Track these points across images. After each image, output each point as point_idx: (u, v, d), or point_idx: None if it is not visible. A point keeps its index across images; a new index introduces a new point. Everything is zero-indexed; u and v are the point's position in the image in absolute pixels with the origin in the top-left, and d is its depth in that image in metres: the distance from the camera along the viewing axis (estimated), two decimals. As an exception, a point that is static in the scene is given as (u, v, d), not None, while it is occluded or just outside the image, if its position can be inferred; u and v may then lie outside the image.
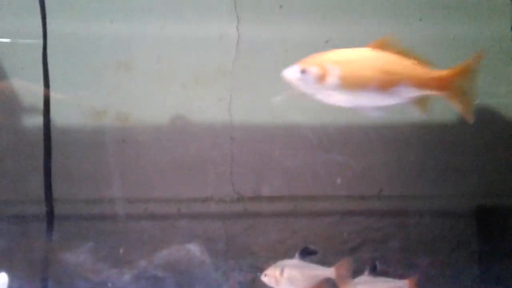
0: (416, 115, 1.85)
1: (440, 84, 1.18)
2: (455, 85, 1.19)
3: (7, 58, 1.81)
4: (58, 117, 1.81)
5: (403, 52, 1.19)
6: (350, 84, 1.18)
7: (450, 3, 1.90)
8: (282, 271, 1.58)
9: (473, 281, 1.96)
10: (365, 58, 1.20)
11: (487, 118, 1.94)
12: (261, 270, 1.61)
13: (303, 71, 1.17)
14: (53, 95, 1.75)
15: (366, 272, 1.62)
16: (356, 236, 1.97)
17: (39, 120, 1.77)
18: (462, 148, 1.95)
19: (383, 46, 1.20)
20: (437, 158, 1.96)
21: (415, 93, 1.19)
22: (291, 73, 1.18)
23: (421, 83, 1.18)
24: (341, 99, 1.20)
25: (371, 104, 1.21)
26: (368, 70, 1.19)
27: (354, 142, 1.94)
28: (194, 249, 1.86)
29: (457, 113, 1.68)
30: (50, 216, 1.78)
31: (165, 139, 1.89)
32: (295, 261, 1.61)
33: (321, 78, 1.17)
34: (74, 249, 1.81)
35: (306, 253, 1.62)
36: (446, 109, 1.90)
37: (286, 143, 1.92)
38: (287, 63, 1.84)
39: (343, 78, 1.17)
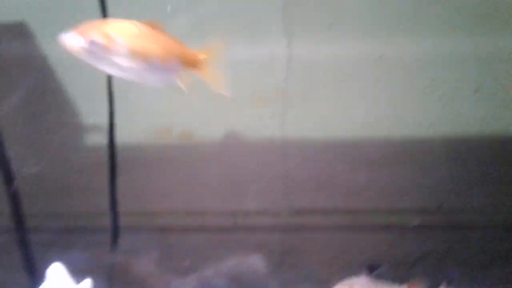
0: (474, 128, 1.85)
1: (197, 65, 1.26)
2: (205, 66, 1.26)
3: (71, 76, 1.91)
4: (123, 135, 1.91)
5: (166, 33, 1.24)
6: (136, 56, 1.19)
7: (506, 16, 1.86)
8: None
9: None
10: (147, 34, 1.22)
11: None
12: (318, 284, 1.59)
13: (90, 41, 1.15)
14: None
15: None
16: (417, 250, 1.95)
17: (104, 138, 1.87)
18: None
19: (151, 24, 1.23)
20: (501, 171, 1.91)
21: (180, 70, 1.25)
22: (73, 41, 1.15)
23: (188, 63, 1.25)
24: (122, 70, 1.20)
25: (149, 76, 1.23)
26: (152, 44, 1.21)
27: (415, 156, 1.92)
28: (254, 261, 1.89)
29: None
30: (116, 229, 1.88)
31: (223, 155, 1.95)
32: (364, 278, 1.55)
33: (106, 49, 1.16)
34: (139, 260, 1.90)
35: (373, 269, 1.57)
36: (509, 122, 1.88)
37: (342, 157, 1.93)
38: (339, 79, 1.85)
39: (131, 50, 1.18)
